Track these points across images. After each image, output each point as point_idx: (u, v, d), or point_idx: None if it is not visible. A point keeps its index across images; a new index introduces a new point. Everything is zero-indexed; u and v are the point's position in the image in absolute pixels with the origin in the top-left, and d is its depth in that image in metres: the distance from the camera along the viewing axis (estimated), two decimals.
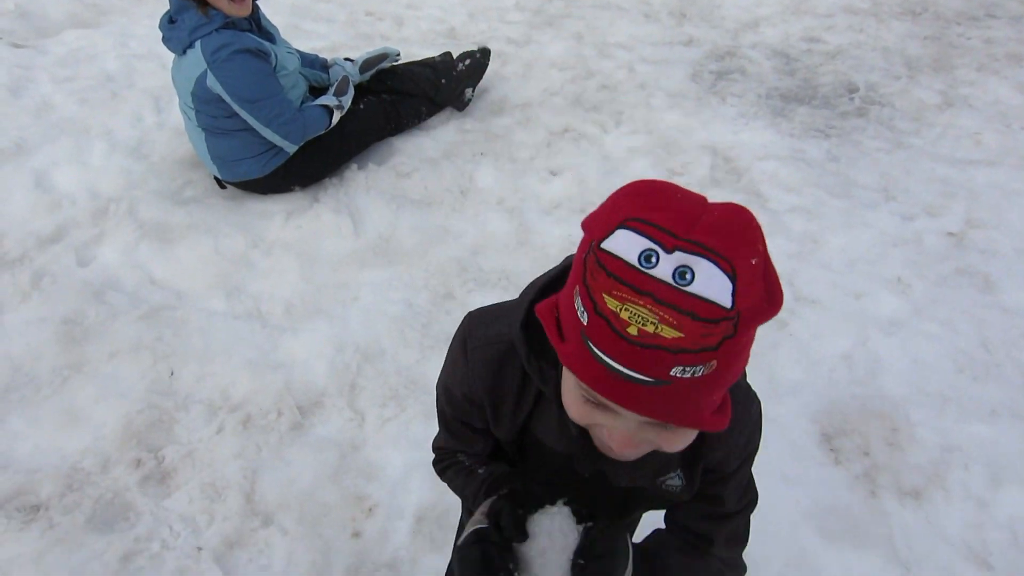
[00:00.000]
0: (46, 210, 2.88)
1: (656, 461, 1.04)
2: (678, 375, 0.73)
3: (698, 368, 0.73)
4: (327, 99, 3.05)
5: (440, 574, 1.93)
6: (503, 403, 1.08)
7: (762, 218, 3.04)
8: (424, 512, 2.04)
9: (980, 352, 2.55)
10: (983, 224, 3.09)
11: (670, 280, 0.70)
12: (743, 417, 1.05)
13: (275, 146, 2.96)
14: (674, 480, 1.08)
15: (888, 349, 2.55)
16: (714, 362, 0.73)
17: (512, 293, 2.69)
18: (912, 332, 2.61)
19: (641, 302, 0.71)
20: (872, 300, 2.74)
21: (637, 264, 0.71)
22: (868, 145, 3.60)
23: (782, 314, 2.64)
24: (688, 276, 0.70)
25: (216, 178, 3.07)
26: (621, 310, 0.72)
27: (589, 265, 0.75)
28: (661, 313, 0.70)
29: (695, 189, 3.35)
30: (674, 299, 0.70)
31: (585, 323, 0.75)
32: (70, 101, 3.57)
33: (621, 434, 0.86)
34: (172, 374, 2.36)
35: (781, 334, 2.59)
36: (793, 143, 3.59)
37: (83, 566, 1.88)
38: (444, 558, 1.96)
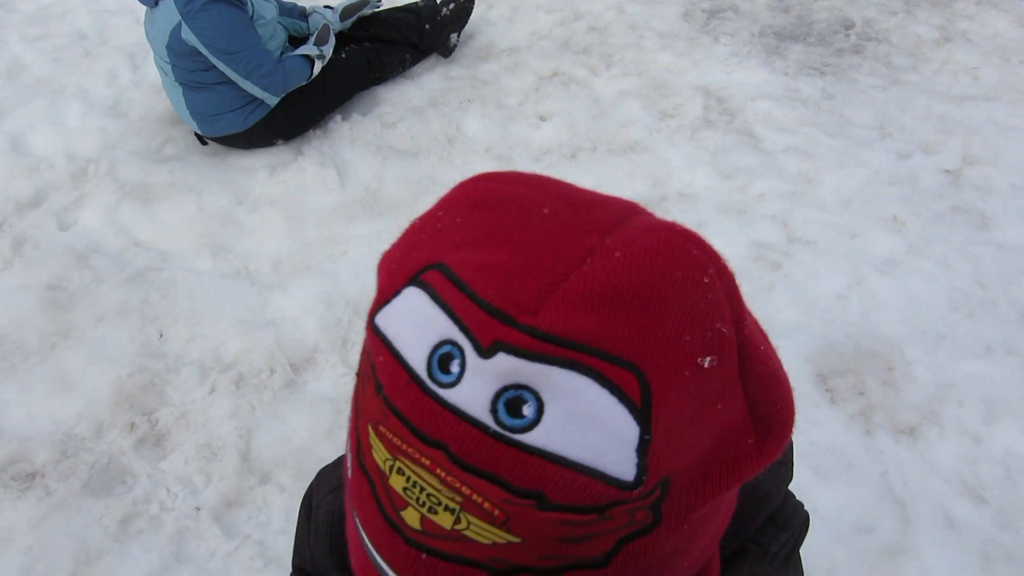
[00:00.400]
0: (24, 174, 2.82)
1: None
2: None
3: None
4: (308, 48, 2.96)
5: None
6: None
7: (755, 159, 3.00)
8: None
9: (975, 289, 2.53)
10: (980, 161, 3.05)
11: (486, 419, 0.34)
12: None
13: (256, 99, 2.88)
14: None
15: (883, 288, 2.53)
16: None
17: None
18: (907, 270, 2.59)
19: (427, 462, 0.35)
20: (867, 239, 2.71)
21: (424, 374, 0.35)
22: (864, 83, 3.52)
23: (775, 255, 2.62)
24: (528, 411, 0.33)
25: (196, 134, 3.00)
26: (393, 471, 0.36)
27: (361, 359, 0.43)
28: (467, 491, 0.34)
29: (687, 132, 3.26)
30: (496, 463, 0.34)
31: (349, 483, 0.41)
32: (43, 61, 3.47)
33: None
34: (161, 336, 2.33)
35: (776, 275, 2.57)
36: (787, 82, 3.51)
37: (83, 531, 1.89)
38: None
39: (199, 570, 1.86)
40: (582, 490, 0.33)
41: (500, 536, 0.34)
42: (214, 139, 2.97)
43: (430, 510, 0.35)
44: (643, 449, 0.33)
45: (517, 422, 0.33)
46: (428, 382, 0.35)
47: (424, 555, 0.36)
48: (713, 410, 0.35)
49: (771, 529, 0.57)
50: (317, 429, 2.12)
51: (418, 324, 0.36)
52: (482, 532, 0.34)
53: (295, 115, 3.00)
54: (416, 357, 0.35)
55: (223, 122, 2.88)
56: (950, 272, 2.59)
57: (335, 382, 2.24)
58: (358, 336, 2.34)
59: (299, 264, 2.58)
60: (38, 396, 2.17)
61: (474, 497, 0.34)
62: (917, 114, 3.29)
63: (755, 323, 0.40)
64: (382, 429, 0.37)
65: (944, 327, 2.42)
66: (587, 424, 0.33)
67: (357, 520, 0.40)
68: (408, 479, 0.35)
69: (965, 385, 2.26)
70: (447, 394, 0.34)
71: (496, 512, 0.34)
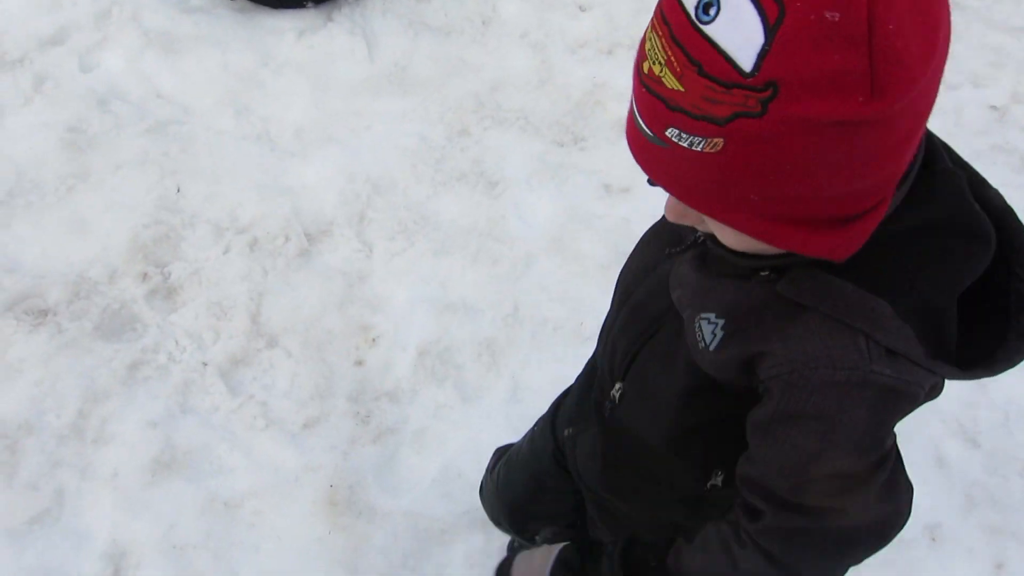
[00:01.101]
0: (47, 10, 2.72)
1: (708, 294, 0.79)
2: (673, 139, 0.57)
3: (696, 140, 0.56)
4: None
5: (440, 408, 1.99)
6: None
7: None
8: (427, 346, 2.06)
9: None
10: None
11: (691, 12, 0.53)
12: (821, 336, 0.69)
13: None
14: (709, 325, 0.77)
15: None
16: (719, 141, 0.55)
17: (530, 135, 2.58)
18: None
19: (660, 32, 0.56)
20: None
21: None
22: None
23: None
24: (712, 11, 0.52)
25: None
26: (647, 39, 0.59)
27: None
28: (670, 54, 0.55)
29: None
30: (686, 39, 0.53)
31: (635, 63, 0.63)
32: None
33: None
34: (179, 191, 2.31)
35: None
36: None
37: (92, 371, 1.93)
38: (444, 392, 2.00)
39: (202, 423, 1.91)
40: (721, 68, 0.52)
41: (677, 85, 0.55)
42: None
43: (654, 62, 0.57)
44: (762, 55, 0.51)
45: (704, 18, 0.52)
46: None
47: (644, 90, 0.59)
48: (825, 51, 0.50)
49: None
50: (328, 301, 2.13)
51: None
52: (669, 80, 0.56)
53: None
54: None
55: None
56: None
57: (349, 256, 2.23)
58: (376, 213, 2.32)
59: (321, 134, 2.53)
60: (53, 236, 2.17)
61: (671, 58, 0.55)
62: (971, 43, 3.12)
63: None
64: (654, 15, 0.58)
65: None
66: (738, 27, 0.51)
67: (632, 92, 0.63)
68: (651, 46, 0.58)
69: None
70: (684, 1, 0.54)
71: (679, 70, 0.55)
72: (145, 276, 2.11)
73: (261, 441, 1.89)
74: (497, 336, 2.10)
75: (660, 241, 0.93)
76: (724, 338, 0.76)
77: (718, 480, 0.90)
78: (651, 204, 1.04)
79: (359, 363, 2.04)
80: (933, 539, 1.90)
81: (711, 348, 0.77)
